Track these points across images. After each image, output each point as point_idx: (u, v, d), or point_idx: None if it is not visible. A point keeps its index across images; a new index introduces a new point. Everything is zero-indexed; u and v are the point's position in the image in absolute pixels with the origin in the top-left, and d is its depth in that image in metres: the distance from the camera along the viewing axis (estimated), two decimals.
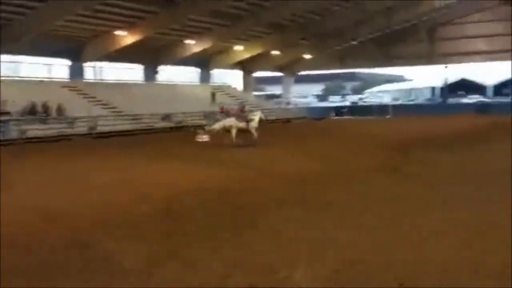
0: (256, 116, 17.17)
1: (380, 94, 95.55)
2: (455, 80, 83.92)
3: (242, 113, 20.36)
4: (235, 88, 42.86)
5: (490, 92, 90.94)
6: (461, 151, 14.40)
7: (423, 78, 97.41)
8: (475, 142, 16.74)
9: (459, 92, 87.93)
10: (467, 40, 42.63)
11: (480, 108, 42.85)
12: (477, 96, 75.33)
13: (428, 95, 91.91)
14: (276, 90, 59.59)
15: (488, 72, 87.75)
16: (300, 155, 13.63)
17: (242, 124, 16.77)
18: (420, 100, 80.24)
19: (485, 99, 64.43)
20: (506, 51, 41.01)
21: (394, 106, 48.83)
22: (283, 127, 29.26)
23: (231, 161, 12.32)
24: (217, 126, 17.14)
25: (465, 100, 67.65)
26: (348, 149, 15.57)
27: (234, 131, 16.55)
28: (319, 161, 12.34)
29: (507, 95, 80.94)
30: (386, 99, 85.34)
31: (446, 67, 47.53)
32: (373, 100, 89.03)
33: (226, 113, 23.72)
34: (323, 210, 6.84)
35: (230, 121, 17.17)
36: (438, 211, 6.56)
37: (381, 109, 46.88)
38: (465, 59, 44.47)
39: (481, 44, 42.33)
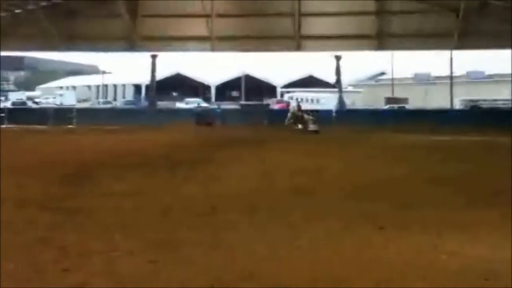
0: None
1: (61, 93, 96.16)
2: (167, 76, 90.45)
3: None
4: None
5: (214, 94, 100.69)
6: None
7: (126, 71, 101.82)
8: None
9: (174, 94, 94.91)
10: (181, 20, 45.83)
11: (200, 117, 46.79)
12: (198, 99, 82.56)
13: (131, 95, 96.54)
14: None
15: (212, 68, 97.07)
16: None
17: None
18: (120, 103, 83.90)
19: (206, 105, 70.94)
20: (230, 38, 45.75)
21: (80, 111, 49.70)
22: None
23: None
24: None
25: (182, 105, 73.23)
26: None
27: None
28: None
29: (235, 99, 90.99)
30: (70, 100, 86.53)
31: (154, 56, 50.24)
32: (50, 100, 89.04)
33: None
34: None
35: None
36: None
37: (61, 114, 47.09)
38: (180, 46, 47.58)
39: (198, 27, 45.99)
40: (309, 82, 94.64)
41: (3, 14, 44.27)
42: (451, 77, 56.89)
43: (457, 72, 67.34)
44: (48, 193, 13.03)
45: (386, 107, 66.73)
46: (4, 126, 43.54)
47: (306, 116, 37.56)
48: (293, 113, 37.98)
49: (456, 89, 59.22)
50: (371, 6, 43.44)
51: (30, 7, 43.73)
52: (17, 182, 14.66)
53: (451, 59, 55.87)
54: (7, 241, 8.54)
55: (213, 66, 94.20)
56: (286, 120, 38.04)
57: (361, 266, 7.16)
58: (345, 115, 45.99)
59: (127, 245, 8.19)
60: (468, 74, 76.47)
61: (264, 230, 9.42)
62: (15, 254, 7.79)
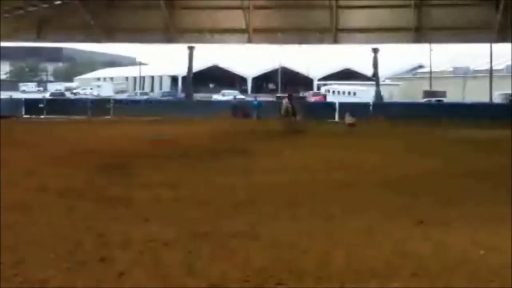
0: None
1: (98, 84, 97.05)
2: (205, 68, 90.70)
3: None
4: None
5: (250, 86, 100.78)
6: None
7: (163, 63, 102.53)
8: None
9: (211, 86, 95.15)
10: (218, 12, 45.93)
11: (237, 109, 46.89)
12: (234, 91, 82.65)
13: (168, 87, 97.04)
14: None
15: (248, 60, 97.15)
16: None
17: None
18: (157, 95, 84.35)
19: (243, 97, 70.88)
20: (267, 30, 45.61)
21: (117, 102, 50.14)
22: None
23: None
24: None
25: (219, 97, 73.35)
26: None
27: None
28: None
29: (271, 91, 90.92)
30: (107, 91, 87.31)
31: (191, 48, 50.40)
32: (88, 91, 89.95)
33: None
34: None
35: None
36: None
37: (98, 105, 47.56)
38: (217, 38, 47.64)
39: (235, 19, 46.04)
40: (346, 74, 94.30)
41: (43, 5, 44.82)
42: (490, 71, 56.06)
43: (497, 65, 66.41)
44: (87, 183, 13.18)
45: (424, 100, 66.04)
46: (42, 116, 44.33)
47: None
48: (286, 107, 33.50)
49: (496, 83, 58.30)
50: None
51: None
52: (57, 172, 14.87)
53: (491, 52, 55.02)
54: (47, 230, 8.65)
55: (250, 59, 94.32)
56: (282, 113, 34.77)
57: (399, 259, 7.10)
58: (382, 108, 45.56)
59: (165, 236, 8.23)
60: (508, 68, 75.37)
61: (303, 222, 9.41)
62: (55, 243, 7.86)
